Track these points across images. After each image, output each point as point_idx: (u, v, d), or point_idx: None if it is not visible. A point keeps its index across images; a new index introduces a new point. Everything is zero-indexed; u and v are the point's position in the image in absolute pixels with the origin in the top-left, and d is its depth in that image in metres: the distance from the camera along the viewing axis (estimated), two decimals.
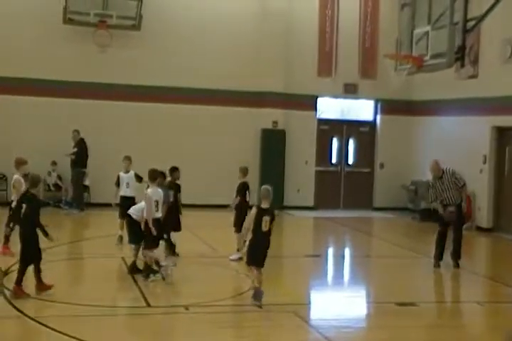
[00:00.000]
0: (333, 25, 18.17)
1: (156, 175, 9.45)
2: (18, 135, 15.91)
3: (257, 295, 8.09)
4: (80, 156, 15.69)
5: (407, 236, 15.20)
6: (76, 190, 15.89)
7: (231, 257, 10.85)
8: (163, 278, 9.10)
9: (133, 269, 9.52)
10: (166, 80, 16.92)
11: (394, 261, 11.85)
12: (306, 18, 17.85)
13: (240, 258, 10.44)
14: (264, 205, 8.05)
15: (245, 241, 8.65)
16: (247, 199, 11.03)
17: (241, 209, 10.79)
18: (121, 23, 16.28)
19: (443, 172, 11.33)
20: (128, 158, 11.89)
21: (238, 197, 10.95)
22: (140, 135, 16.79)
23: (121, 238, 11.41)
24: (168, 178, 10.62)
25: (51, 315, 7.53)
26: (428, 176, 17.77)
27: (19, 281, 8.08)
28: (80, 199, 15.84)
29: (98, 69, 16.52)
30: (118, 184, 11.74)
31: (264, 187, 8.16)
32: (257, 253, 8.08)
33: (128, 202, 11.08)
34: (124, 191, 11.71)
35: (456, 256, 11.12)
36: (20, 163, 10.31)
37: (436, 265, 11.00)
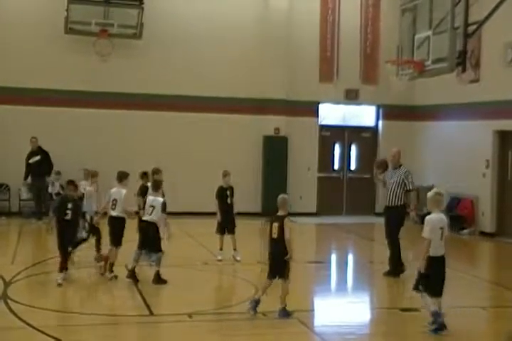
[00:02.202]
0: (334, 31, 18.21)
1: (122, 176, 9.87)
2: (19, 145, 15.92)
3: (279, 311, 8.00)
4: (45, 165, 15.38)
5: (409, 242, 15.14)
6: (37, 201, 15.52)
7: (238, 258, 11.17)
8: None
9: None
10: (168, 88, 16.95)
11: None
12: (307, 24, 17.89)
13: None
14: (280, 213, 8.01)
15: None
16: (228, 202, 11.35)
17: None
18: (123, 32, 16.33)
19: (400, 166, 10.78)
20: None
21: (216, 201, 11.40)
22: (141, 143, 16.81)
23: None
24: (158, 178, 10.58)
25: (54, 324, 7.53)
26: (430, 181, 17.89)
27: None
28: (39, 208, 15.43)
29: (100, 78, 16.55)
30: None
31: (280, 196, 8.16)
32: (271, 264, 8.01)
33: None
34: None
35: (393, 262, 10.61)
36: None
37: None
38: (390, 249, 10.78)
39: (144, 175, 11.33)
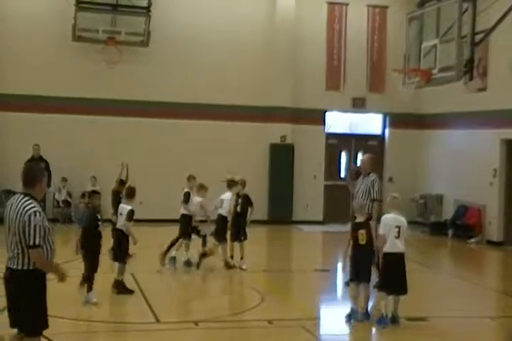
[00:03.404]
0: (341, 39, 18.23)
1: (130, 194, 9.69)
2: (27, 151, 15.95)
3: (360, 315, 8.10)
4: (47, 173, 15.29)
5: (416, 250, 15.06)
6: None
7: (243, 266, 11.09)
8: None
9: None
10: (174, 96, 17.00)
11: None
12: (314, 33, 17.92)
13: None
14: (358, 219, 8.18)
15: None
16: (237, 210, 11.38)
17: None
18: (130, 40, 16.39)
19: (369, 174, 10.38)
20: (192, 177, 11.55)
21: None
22: (148, 150, 16.83)
23: (174, 259, 11.18)
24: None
25: (61, 332, 7.50)
26: (437, 190, 17.84)
27: None
28: None
29: (107, 85, 16.61)
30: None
31: (355, 202, 8.50)
32: (359, 269, 8.10)
33: (184, 219, 11.16)
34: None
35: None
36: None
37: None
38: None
39: (121, 182, 11.54)
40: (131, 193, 9.65)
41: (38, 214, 5.30)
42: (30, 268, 5.36)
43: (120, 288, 9.25)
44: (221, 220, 11.14)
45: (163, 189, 15.83)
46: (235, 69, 17.42)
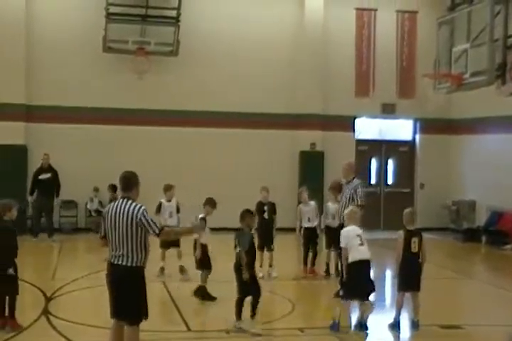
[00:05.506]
0: (370, 44, 18.12)
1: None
2: (60, 162, 16.15)
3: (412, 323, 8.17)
4: (55, 183, 15.22)
5: (449, 257, 14.89)
6: (37, 218, 15.30)
7: (274, 274, 11.10)
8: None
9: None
10: (204, 105, 17.08)
11: (437, 282, 11.56)
12: (342, 39, 17.86)
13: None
14: (411, 227, 8.28)
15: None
16: (265, 217, 11.41)
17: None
18: (159, 50, 16.52)
19: (353, 179, 10.21)
20: (171, 187, 11.55)
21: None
22: (179, 159, 16.91)
23: (162, 270, 11.15)
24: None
25: (94, 340, 7.56)
26: (470, 196, 17.60)
27: None
28: (38, 225, 15.26)
29: (137, 95, 16.76)
30: (158, 211, 11.26)
31: (408, 210, 8.53)
32: (409, 277, 8.15)
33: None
34: (166, 220, 11.18)
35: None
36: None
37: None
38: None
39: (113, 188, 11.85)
40: (207, 202, 9.72)
41: (145, 210, 6.16)
42: (139, 264, 6.14)
43: (204, 294, 9.39)
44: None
45: (196, 197, 15.84)
46: (264, 78, 17.45)
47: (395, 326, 8.13)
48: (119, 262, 6.12)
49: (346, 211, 8.54)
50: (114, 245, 6.16)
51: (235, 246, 8.27)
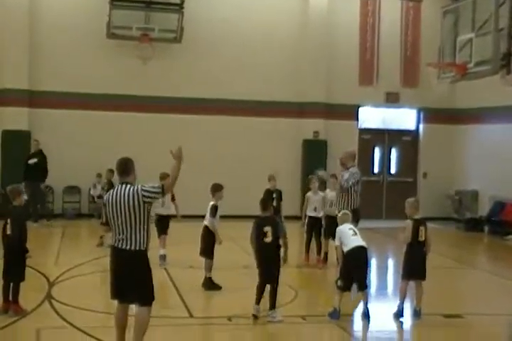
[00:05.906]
0: (374, 33, 18.08)
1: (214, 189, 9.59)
2: (63, 147, 16.18)
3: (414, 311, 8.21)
4: (41, 168, 15.25)
5: (452, 247, 14.91)
6: (38, 204, 15.32)
7: None
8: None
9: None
10: (207, 92, 17.06)
11: (440, 271, 11.58)
12: (347, 28, 17.81)
13: None
14: (417, 216, 8.27)
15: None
16: (274, 204, 11.06)
17: None
18: (163, 36, 16.48)
19: (349, 168, 10.55)
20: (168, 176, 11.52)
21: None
22: (183, 146, 16.85)
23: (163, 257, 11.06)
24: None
25: (97, 325, 7.61)
26: (473, 186, 17.60)
27: None
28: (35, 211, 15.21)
29: (141, 81, 16.74)
30: None
31: (413, 199, 8.55)
32: (415, 265, 8.17)
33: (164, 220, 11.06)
34: (157, 208, 10.98)
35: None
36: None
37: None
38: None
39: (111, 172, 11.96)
40: (215, 188, 9.53)
41: (142, 185, 6.24)
42: (143, 248, 6.18)
43: (210, 284, 9.37)
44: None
45: (201, 185, 15.87)
46: (268, 65, 17.41)
47: (399, 315, 8.16)
48: (124, 246, 6.16)
49: (339, 214, 8.73)
50: (117, 230, 6.22)
51: (264, 235, 8.06)
